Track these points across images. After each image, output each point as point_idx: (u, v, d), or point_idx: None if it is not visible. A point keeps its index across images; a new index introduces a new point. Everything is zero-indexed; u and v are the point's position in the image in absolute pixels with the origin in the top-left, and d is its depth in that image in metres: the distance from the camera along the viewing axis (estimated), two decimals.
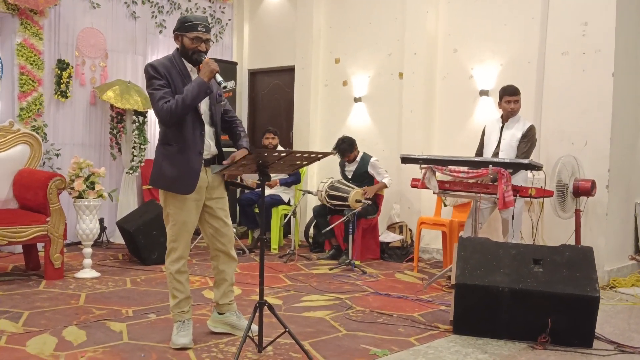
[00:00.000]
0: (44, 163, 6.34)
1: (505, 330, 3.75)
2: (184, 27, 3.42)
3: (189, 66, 3.48)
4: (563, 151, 5.37)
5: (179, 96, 3.32)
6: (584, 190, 5.12)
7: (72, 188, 5.25)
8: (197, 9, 7.94)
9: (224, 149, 3.63)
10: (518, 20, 6.03)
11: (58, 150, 6.53)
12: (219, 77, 3.35)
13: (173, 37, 3.52)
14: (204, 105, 3.51)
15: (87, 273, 5.23)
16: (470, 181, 4.90)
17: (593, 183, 5.14)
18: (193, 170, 3.42)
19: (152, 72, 3.39)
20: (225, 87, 3.39)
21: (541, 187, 4.80)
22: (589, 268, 3.73)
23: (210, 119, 3.55)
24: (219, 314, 3.73)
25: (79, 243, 5.88)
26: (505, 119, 5.23)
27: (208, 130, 3.53)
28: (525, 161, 4.61)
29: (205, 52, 3.45)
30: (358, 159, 6.49)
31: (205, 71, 3.35)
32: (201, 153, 3.46)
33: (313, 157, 3.31)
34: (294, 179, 6.96)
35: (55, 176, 5.18)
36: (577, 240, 5.18)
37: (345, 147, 6.42)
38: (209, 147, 3.53)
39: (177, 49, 3.49)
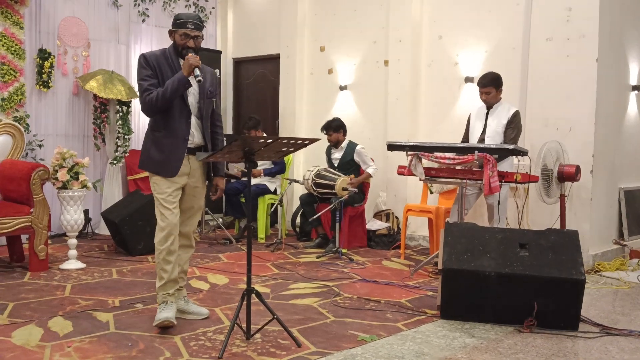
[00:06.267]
0: (27, 154, 6.26)
1: (492, 314, 3.78)
2: (175, 24, 3.65)
3: (181, 61, 3.64)
4: (548, 137, 5.40)
5: (160, 89, 3.53)
6: (568, 175, 5.16)
7: (56, 178, 5.19)
8: None
9: None
10: (502, 7, 6.04)
11: (41, 141, 6.45)
12: (197, 72, 3.50)
13: (168, 34, 3.71)
14: (191, 98, 3.67)
15: (72, 264, 5.19)
16: (457, 167, 4.91)
17: (577, 168, 5.17)
18: (178, 155, 3.60)
19: (142, 62, 3.62)
20: (200, 80, 3.51)
21: (526, 172, 4.82)
22: (574, 251, 3.76)
23: (198, 111, 3.70)
24: None
25: (64, 234, 5.84)
26: (489, 105, 5.24)
27: (194, 121, 3.68)
28: (510, 146, 4.62)
29: (194, 48, 3.60)
30: (344, 145, 6.47)
31: (185, 66, 3.52)
32: (186, 140, 3.62)
33: (299, 144, 3.33)
34: (278, 169, 6.93)
35: (39, 167, 5.11)
36: (562, 225, 5.22)
37: (332, 124, 6.42)
38: (193, 136, 3.67)
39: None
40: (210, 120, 3.80)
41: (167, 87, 3.50)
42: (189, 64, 3.49)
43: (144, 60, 3.59)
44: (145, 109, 3.59)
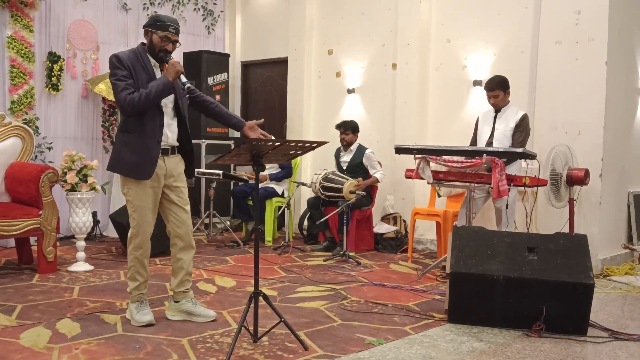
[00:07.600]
0: (36, 157, 6.30)
1: (500, 318, 3.76)
2: (155, 25, 3.63)
3: (152, 61, 3.67)
4: (556, 140, 5.37)
5: (143, 91, 3.49)
6: (577, 179, 5.13)
7: (65, 181, 5.22)
8: (189, 1, 7.89)
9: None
10: (511, 10, 6.02)
11: (50, 143, 6.49)
12: (183, 78, 3.55)
13: (143, 31, 3.70)
14: (165, 99, 3.65)
15: (81, 266, 5.21)
16: (466, 171, 4.89)
17: (586, 172, 5.14)
18: (151, 157, 3.60)
19: (116, 63, 3.56)
20: (189, 87, 3.60)
21: (535, 176, 4.80)
22: (583, 255, 3.74)
23: (176, 112, 3.72)
24: (175, 302, 3.85)
25: (72, 237, 5.86)
26: (497, 109, 5.23)
27: (168, 122, 3.68)
28: (519, 150, 4.60)
29: (171, 53, 3.65)
30: (353, 148, 6.47)
31: (170, 71, 3.53)
32: (159, 142, 3.62)
33: (307, 147, 3.32)
34: (284, 173, 6.91)
35: (48, 169, 5.14)
36: (570, 229, 5.19)
37: (350, 123, 6.46)
38: (167, 137, 3.68)
39: (143, 43, 3.70)
40: (198, 102, 3.84)
41: (151, 90, 3.48)
42: (175, 70, 3.52)
43: (118, 60, 3.54)
44: (126, 109, 3.52)
